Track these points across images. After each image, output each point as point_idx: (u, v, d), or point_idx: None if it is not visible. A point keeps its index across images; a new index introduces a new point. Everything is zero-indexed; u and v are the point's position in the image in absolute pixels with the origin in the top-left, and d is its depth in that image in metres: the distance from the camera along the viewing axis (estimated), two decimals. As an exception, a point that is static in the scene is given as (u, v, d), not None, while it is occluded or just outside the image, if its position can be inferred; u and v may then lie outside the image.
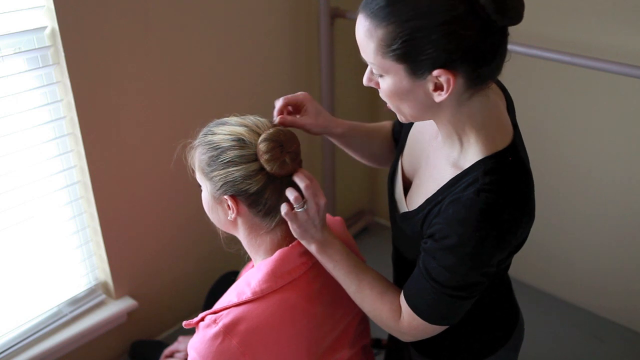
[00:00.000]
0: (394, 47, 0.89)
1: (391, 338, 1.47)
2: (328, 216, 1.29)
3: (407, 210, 1.12)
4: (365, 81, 1.00)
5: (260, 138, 1.07)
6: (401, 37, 0.88)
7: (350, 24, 2.26)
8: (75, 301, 1.86)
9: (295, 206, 1.08)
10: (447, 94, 0.92)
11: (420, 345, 1.25)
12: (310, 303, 1.11)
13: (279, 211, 1.10)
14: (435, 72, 0.90)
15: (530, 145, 2.15)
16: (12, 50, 1.51)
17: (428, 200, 1.05)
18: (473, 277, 1.00)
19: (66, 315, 1.83)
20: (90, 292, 1.90)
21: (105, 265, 1.86)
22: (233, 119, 1.12)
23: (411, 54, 0.89)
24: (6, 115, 1.54)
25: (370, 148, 1.34)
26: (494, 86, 1.05)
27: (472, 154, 1.00)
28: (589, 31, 1.91)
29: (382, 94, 0.99)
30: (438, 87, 0.92)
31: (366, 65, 0.99)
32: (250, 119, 1.12)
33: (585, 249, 2.23)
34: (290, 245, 1.13)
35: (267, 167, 1.06)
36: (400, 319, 1.08)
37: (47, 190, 1.69)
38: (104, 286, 1.93)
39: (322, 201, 1.09)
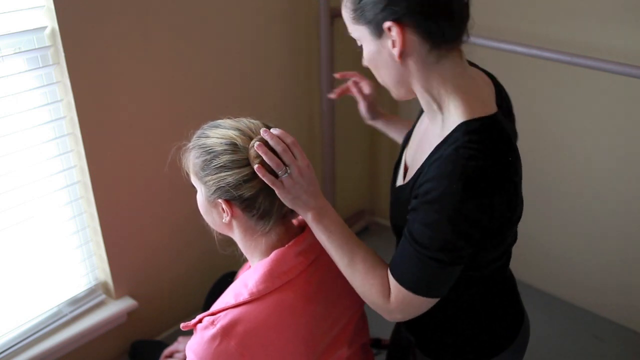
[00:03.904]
0: (355, 8, 1.00)
1: (394, 338, 1.47)
2: None
3: (402, 184, 1.14)
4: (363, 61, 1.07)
5: (252, 142, 1.07)
6: None
7: (350, 24, 2.25)
8: (75, 301, 1.86)
9: (277, 173, 1.05)
10: (400, 46, 0.97)
11: (425, 345, 1.25)
12: (308, 302, 1.11)
13: (273, 214, 1.10)
14: (386, 24, 0.96)
15: (530, 145, 2.16)
16: (12, 50, 1.51)
17: (418, 170, 1.06)
18: (455, 238, 0.98)
19: (66, 315, 1.83)
20: (90, 292, 1.90)
21: (105, 265, 1.86)
22: (227, 122, 1.12)
23: (366, 12, 0.98)
24: (6, 115, 1.54)
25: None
26: (480, 72, 1.11)
27: (453, 119, 1.01)
28: (589, 31, 1.91)
29: (365, 63, 1.07)
30: (395, 45, 0.98)
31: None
32: (244, 122, 1.12)
33: (585, 249, 2.23)
34: (286, 245, 1.13)
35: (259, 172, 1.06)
36: (390, 295, 1.06)
37: (47, 190, 1.69)
38: (104, 286, 1.93)
39: (305, 162, 1.06)
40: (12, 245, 1.67)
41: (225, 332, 1.03)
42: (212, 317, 1.06)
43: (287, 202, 1.08)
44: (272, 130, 1.07)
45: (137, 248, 1.92)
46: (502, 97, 1.13)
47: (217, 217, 1.13)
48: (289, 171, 1.05)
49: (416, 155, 1.15)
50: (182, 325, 1.10)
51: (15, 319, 1.74)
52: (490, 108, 1.03)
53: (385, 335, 1.60)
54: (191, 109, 1.89)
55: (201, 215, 1.18)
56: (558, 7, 1.95)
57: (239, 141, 1.07)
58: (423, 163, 1.05)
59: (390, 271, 1.05)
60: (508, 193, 1.00)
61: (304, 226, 1.20)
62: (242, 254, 1.20)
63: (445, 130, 1.02)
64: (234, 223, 1.12)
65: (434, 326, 1.21)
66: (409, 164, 1.19)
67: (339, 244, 1.09)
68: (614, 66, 1.66)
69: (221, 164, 1.07)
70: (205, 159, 1.08)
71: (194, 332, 1.09)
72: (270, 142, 1.05)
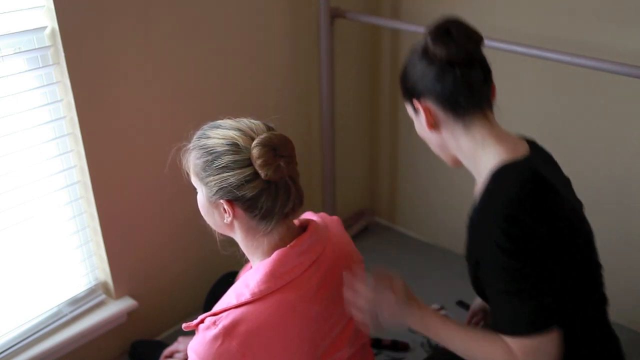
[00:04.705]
0: (401, 90, 1.18)
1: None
2: (325, 215, 1.29)
3: None
4: None
5: (254, 143, 1.06)
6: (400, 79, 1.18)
7: (350, 24, 2.25)
8: (75, 301, 1.86)
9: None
10: (429, 119, 1.13)
11: None
12: (310, 303, 1.11)
13: (275, 214, 1.10)
14: (415, 102, 1.13)
15: (530, 145, 2.15)
16: (12, 50, 1.52)
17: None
18: (516, 262, 1.03)
19: (66, 315, 1.83)
20: (90, 292, 1.90)
21: (105, 265, 1.86)
22: (227, 122, 1.12)
23: (403, 93, 1.18)
24: (6, 115, 1.54)
25: None
26: (515, 137, 1.18)
27: (487, 172, 1.11)
28: (589, 31, 1.91)
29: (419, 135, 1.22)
30: (427, 120, 1.13)
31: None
32: (244, 122, 1.11)
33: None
34: (288, 245, 1.12)
35: (262, 172, 1.05)
36: (513, 353, 1.07)
37: (47, 190, 1.69)
38: (104, 286, 1.93)
39: (389, 294, 1.12)
40: (12, 245, 1.67)
41: (227, 332, 1.03)
42: (213, 318, 1.06)
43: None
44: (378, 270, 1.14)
45: (137, 248, 1.92)
46: (548, 161, 1.20)
47: (218, 217, 1.13)
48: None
49: None
50: (184, 325, 1.10)
51: (15, 319, 1.74)
52: (520, 154, 1.11)
53: (385, 335, 1.60)
54: (191, 109, 1.90)
55: (201, 216, 1.18)
56: (558, 7, 1.95)
57: (240, 141, 1.07)
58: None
59: (499, 331, 1.09)
60: (550, 214, 1.07)
61: (305, 226, 1.20)
62: (243, 254, 1.19)
63: (483, 183, 1.11)
64: (236, 223, 1.12)
65: None
66: None
67: (450, 336, 1.13)
68: (614, 66, 1.66)
69: (223, 165, 1.07)
70: (207, 160, 1.08)
71: (196, 332, 1.09)
72: (372, 284, 1.12)
